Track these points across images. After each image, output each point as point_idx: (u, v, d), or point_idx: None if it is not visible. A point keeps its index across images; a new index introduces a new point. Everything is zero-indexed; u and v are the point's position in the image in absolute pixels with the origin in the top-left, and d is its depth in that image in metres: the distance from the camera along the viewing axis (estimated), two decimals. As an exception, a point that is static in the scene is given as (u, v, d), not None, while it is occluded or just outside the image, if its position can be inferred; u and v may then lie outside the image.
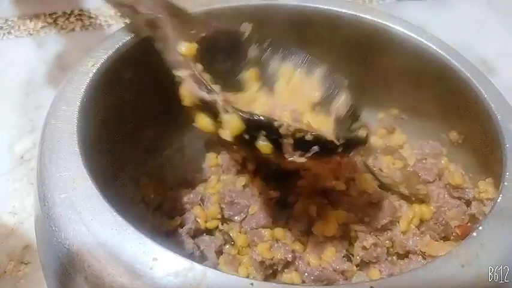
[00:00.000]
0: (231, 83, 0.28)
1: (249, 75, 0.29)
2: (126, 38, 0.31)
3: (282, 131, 0.22)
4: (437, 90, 0.35)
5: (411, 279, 0.19)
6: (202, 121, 0.25)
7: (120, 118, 0.35)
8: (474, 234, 0.21)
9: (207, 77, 0.26)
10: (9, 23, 0.57)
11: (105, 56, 0.29)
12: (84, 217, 0.21)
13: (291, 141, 0.23)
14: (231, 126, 0.23)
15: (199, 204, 0.36)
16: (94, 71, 0.28)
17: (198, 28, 0.28)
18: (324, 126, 0.26)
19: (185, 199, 0.37)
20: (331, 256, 0.30)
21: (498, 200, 0.23)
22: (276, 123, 0.23)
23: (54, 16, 0.58)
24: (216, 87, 0.25)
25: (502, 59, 0.54)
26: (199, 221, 0.35)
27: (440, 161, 0.36)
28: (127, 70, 0.34)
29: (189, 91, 0.25)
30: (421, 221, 0.31)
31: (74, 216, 0.21)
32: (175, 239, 0.34)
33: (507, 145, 0.26)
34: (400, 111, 0.40)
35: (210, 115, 0.24)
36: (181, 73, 0.25)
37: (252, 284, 0.19)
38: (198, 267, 0.19)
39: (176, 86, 0.38)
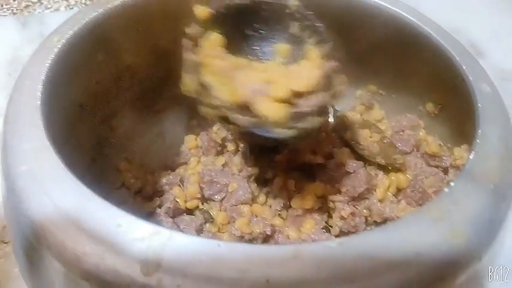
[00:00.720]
0: (259, 50, 0.30)
1: (279, 48, 0.30)
2: (94, 13, 0.30)
3: None
4: (413, 61, 0.35)
5: (382, 236, 0.19)
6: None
7: (96, 101, 0.35)
8: (446, 190, 0.21)
9: (219, 40, 0.27)
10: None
11: (71, 32, 0.29)
12: (46, 187, 0.20)
13: None
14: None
15: (179, 185, 0.36)
16: (59, 46, 0.28)
17: None
18: (273, 114, 0.26)
19: (164, 180, 0.36)
20: (310, 228, 0.30)
21: (470, 157, 0.23)
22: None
23: (39, -6, 0.57)
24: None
25: (491, 42, 0.53)
26: (178, 201, 0.34)
27: (418, 132, 0.35)
28: (98, 50, 0.33)
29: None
30: (398, 190, 0.31)
31: (35, 187, 0.20)
32: (154, 219, 0.33)
33: (479, 105, 0.25)
34: (378, 87, 0.39)
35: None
36: (188, 30, 0.27)
37: (219, 245, 0.18)
38: (163, 231, 0.19)
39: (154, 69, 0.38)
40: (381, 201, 0.30)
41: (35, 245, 0.21)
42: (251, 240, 0.30)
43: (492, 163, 0.23)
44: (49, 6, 0.56)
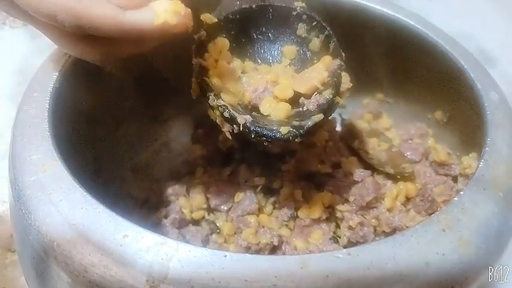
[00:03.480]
0: (267, 53, 0.30)
1: (286, 51, 0.30)
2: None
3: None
4: (421, 69, 0.34)
5: (390, 246, 0.19)
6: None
7: (101, 111, 0.35)
8: (455, 199, 0.21)
9: (225, 44, 0.28)
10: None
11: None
12: (54, 198, 0.20)
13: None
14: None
15: (185, 195, 0.36)
16: (67, 57, 0.28)
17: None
18: (275, 113, 0.27)
19: (170, 191, 0.36)
20: (317, 239, 0.29)
21: (480, 165, 0.22)
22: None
23: (51, 7, 0.58)
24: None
25: (501, 48, 0.52)
26: (184, 211, 0.34)
27: (426, 141, 0.35)
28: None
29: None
30: (407, 199, 0.30)
31: (43, 197, 0.21)
32: (160, 230, 0.33)
33: (488, 112, 0.25)
34: (386, 96, 0.39)
35: None
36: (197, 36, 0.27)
37: (225, 256, 0.18)
38: (170, 242, 0.19)
39: (159, 80, 0.38)
40: (389, 210, 0.29)
41: (42, 256, 0.21)
42: (258, 251, 0.30)
43: (501, 171, 0.23)
44: (61, 17, 0.57)
